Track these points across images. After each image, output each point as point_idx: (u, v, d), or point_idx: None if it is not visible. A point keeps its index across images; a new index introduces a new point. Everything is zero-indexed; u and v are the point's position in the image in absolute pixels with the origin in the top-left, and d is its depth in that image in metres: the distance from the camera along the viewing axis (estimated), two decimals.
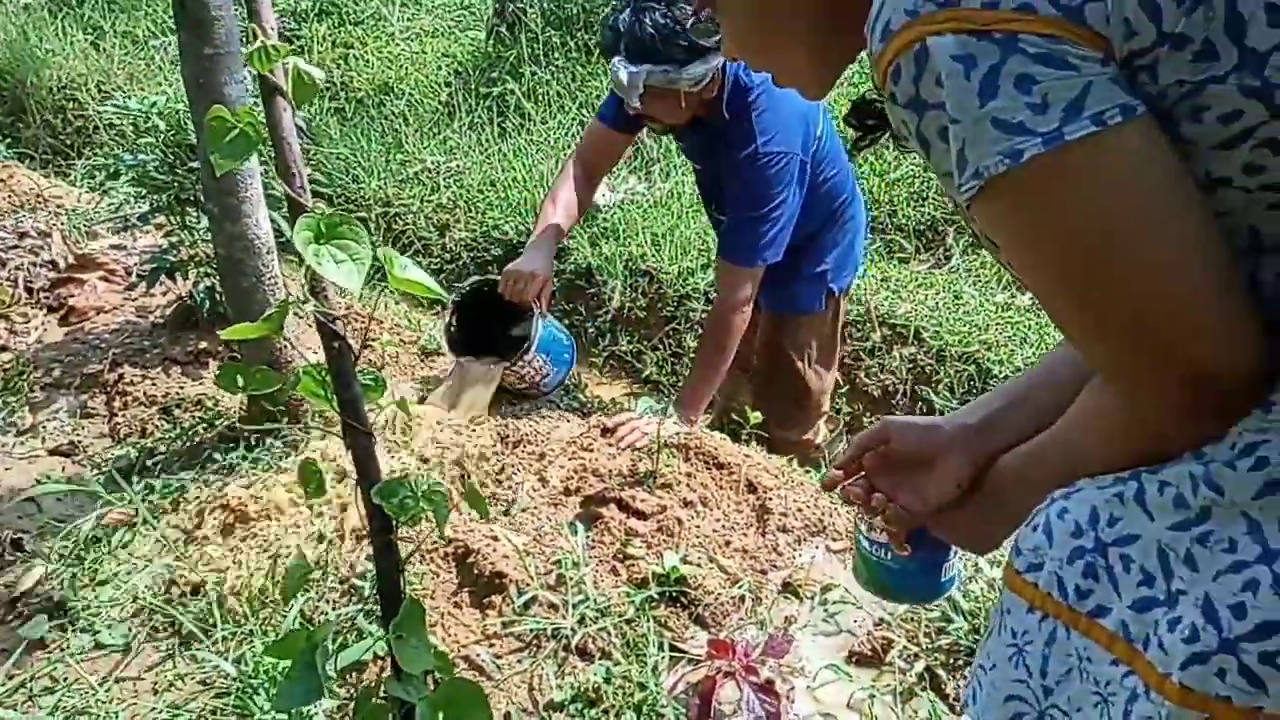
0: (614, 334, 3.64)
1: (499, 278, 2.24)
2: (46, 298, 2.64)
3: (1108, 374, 0.70)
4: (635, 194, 4.07)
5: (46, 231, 2.93)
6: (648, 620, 1.73)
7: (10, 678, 1.56)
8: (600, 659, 1.66)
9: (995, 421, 0.89)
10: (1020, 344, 3.14)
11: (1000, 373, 3.06)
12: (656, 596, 1.78)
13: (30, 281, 2.67)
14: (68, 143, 4.93)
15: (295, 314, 2.12)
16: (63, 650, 1.62)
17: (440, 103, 4.98)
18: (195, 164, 2.24)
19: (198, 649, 1.60)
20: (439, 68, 5.23)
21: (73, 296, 2.60)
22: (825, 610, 1.84)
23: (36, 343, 2.50)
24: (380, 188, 4.28)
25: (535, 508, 2.03)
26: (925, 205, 3.98)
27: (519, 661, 1.65)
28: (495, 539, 1.86)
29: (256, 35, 0.97)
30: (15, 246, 2.83)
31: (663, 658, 1.67)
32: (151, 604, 1.69)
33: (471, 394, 2.29)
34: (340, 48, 5.45)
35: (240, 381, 1.06)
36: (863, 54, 0.76)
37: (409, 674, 1.10)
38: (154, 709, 1.51)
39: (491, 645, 1.67)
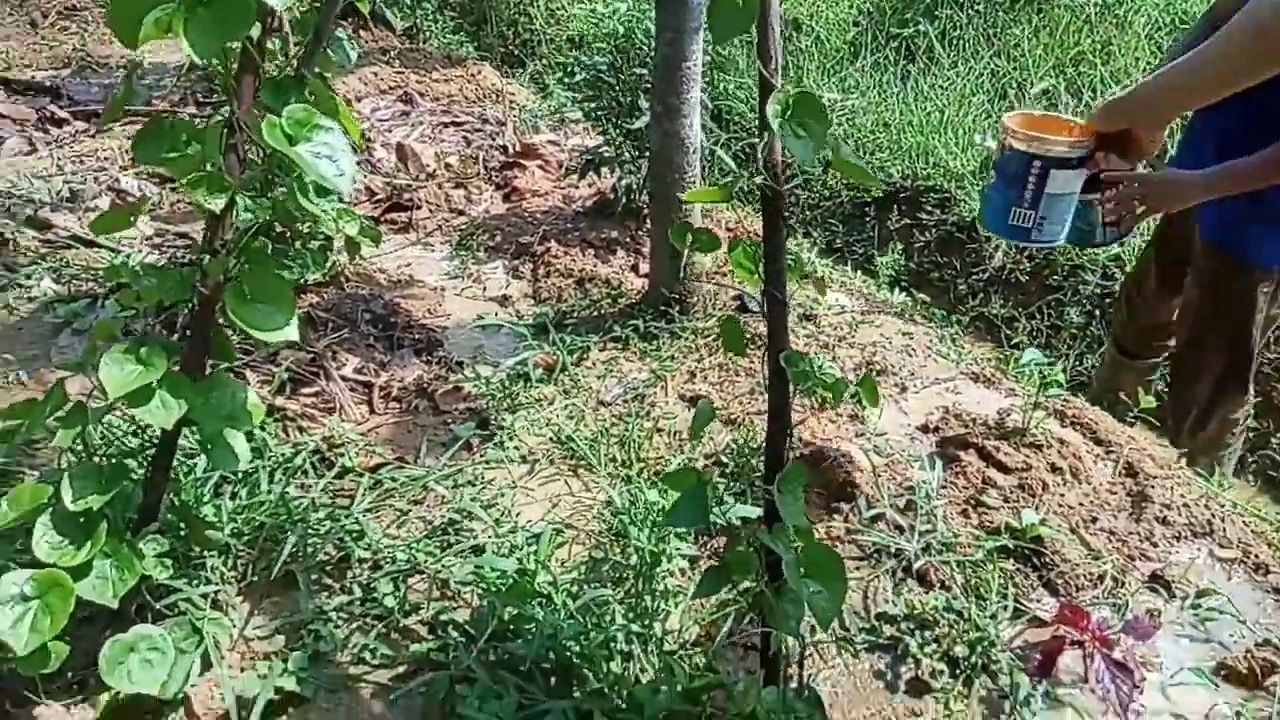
0: (987, 294, 3.48)
1: None
2: (496, 177, 3.11)
3: None
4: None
5: (503, 121, 3.44)
6: (994, 569, 1.69)
7: (445, 466, 1.92)
8: (939, 589, 1.66)
9: None
10: None
11: None
12: (1009, 549, 1.73)
13: (487, 161, 3.16)
14: (515, 52, 5.66)
15: None
16: (482, 455, 1.96)
17: (846, 41, 4.98)
18: (639, 70, 2.48)
19: (586, 478, 1.86)
20: (851, 6, 5.21)
21: (516, 179, 3.04)
22: (1196, 614, 1.68)
23: (485, 212, 2.96)
24: None
25: (890, 435, 2.05)
26: None
27: (856, 568, 1.71)
28: (849, 453, 1.92)
29: None
30: (479, 130, 3.35)
31: (1004, 608, 1.63)
32: (555, 435, 1.98)
33: None
34: None
35: (688, 239, 1.21)
36: None
37: (780, 530, 1.20)
38: (544, 519, 1.79)
39: (833, 547, 1.74)
